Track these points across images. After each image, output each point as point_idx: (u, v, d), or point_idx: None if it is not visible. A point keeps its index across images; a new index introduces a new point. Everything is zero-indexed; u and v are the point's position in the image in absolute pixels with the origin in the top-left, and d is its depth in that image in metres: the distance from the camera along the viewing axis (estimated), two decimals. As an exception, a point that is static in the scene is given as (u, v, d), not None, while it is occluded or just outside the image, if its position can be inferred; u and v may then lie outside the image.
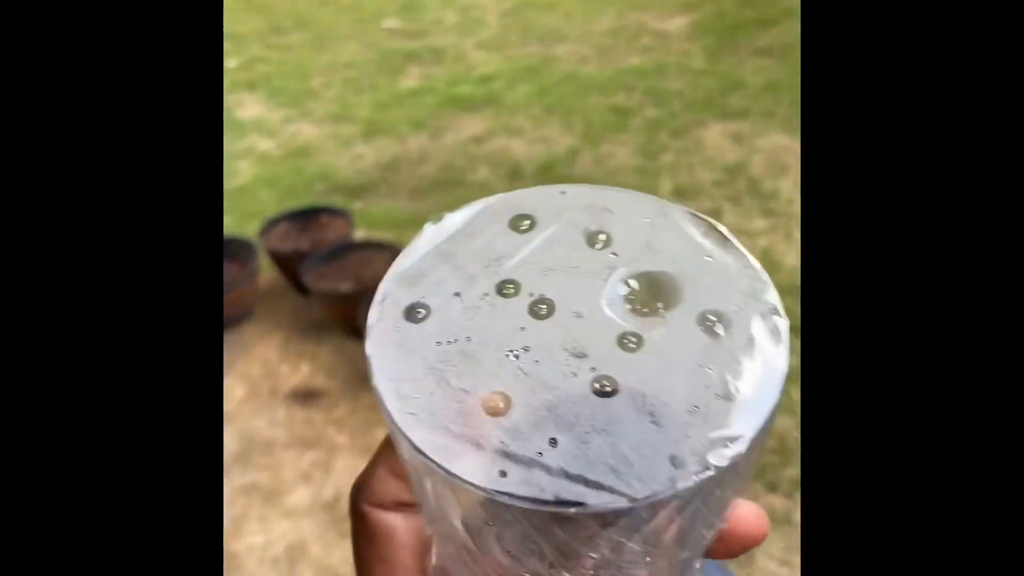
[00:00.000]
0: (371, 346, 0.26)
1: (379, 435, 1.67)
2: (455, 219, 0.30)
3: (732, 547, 0.28)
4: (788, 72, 3.50)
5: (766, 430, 0.25)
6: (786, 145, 2.92)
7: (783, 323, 0.27)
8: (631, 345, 0.25)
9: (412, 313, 0.27)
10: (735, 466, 0.23)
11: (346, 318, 2.11)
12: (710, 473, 0.23)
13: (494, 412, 0.24)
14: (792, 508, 1.59)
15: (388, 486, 0.28)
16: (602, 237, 0.28)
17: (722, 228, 0.29)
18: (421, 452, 0.23)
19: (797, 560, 1.48)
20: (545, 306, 0.26)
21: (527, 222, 0.29)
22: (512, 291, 0.27)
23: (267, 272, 2.44)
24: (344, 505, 1.69)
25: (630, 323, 0.26)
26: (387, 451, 0.29)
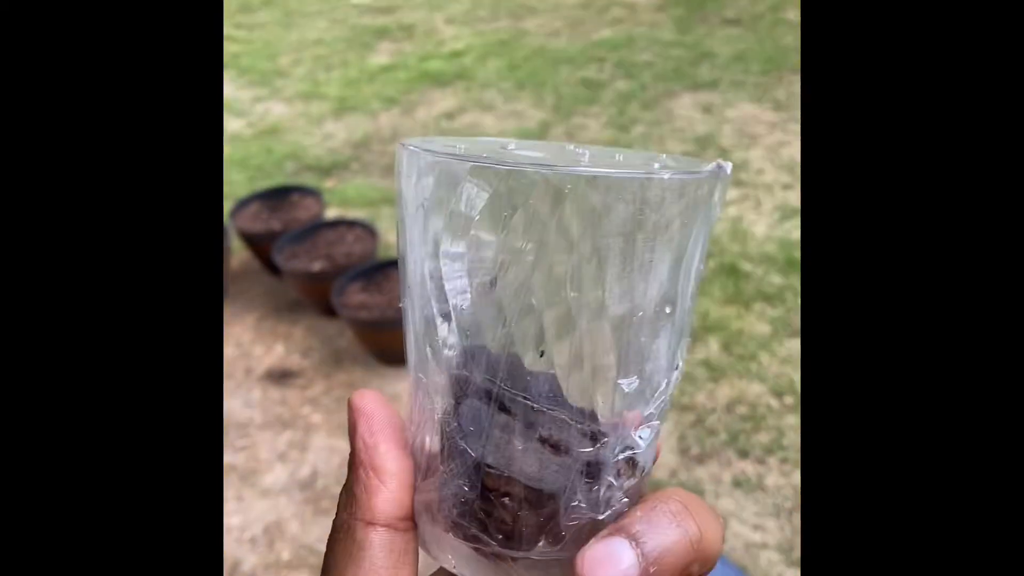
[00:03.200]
0: None
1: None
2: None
3: None
4: (757, 42, 3.51)
5: None
6: (755, 115, 2.93)
7: None
8: None
9: None
10: None
11: (319, 297, 2.10)
12: None
13: None
14: (764, 473, 1.62)
15: (380, 501, 0.29)
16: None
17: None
18: None
19: (770, 524, 1.51)
20: None
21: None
22: None
23: (239, 253, 2.42)
24: (321, 483, 1.70)
25: None
26: (378, 466, 0.30)
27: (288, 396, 1.93)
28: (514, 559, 0.29)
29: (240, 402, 1.92)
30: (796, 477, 1.60)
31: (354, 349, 2.05)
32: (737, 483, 1.61)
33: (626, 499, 0.29)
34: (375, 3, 4.51)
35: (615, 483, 0.29)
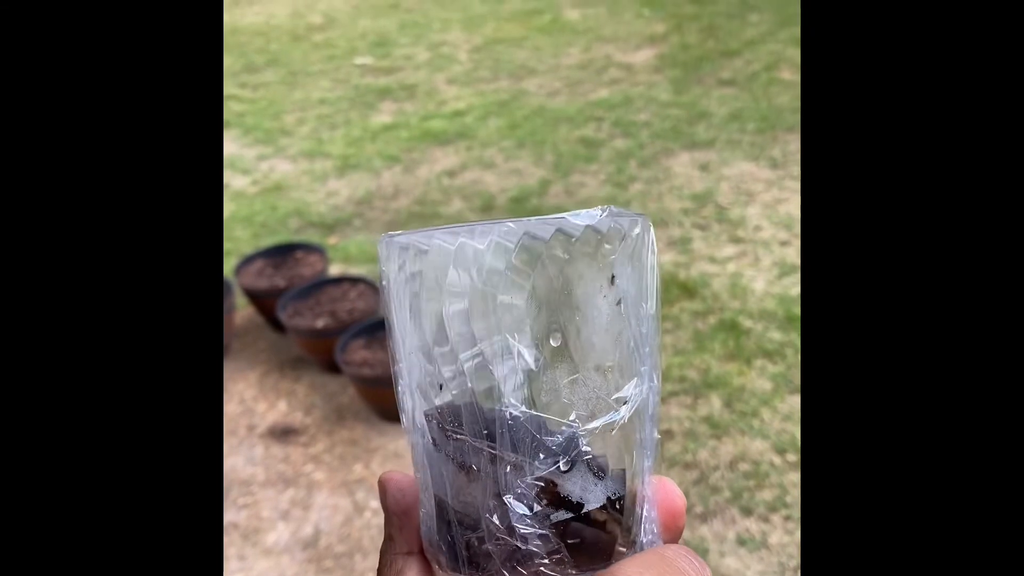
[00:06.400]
0: None
1: (357, 471, 1.67)
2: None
3: (667, 523, 0.34)
4: (752, 101, 3.58)
5: None
6: (752, 173, 2.98)
7: None
8: None
9: None
10: None
11: (322, 354, 2.12)
12: None
13: None
14: (768, 531, 1.61)
15: (409, 535, 0.35)
16: None
17: None
18: None
19: (773, 582, 1.51)
20: None
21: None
22: None
23: (243, 309, 2.44)
24: (323, 542, 1.69)
25: None
26: (405, 510, 0.35)
27: (291, 453, 1.93)
28: None
29: (243, 459, 1.92)
30: (800, 535, 1.59)
31: (356, 406, 2.06)
32: (741, 541, 1.60)
33: (544, 530, 0.31)
34: (377, 64, 4.62)
35: (527, 511, 0.31)
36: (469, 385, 0.31)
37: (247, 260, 2.44)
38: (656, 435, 0.34)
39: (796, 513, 1.64)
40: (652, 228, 0.34)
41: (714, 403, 1.94)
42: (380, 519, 1.72)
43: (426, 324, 0.32)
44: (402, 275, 0.32)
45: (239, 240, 2.81)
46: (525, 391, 0.31)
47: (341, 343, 2.02)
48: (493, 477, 0.31)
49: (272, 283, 2.33)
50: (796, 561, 1.55)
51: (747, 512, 1.66)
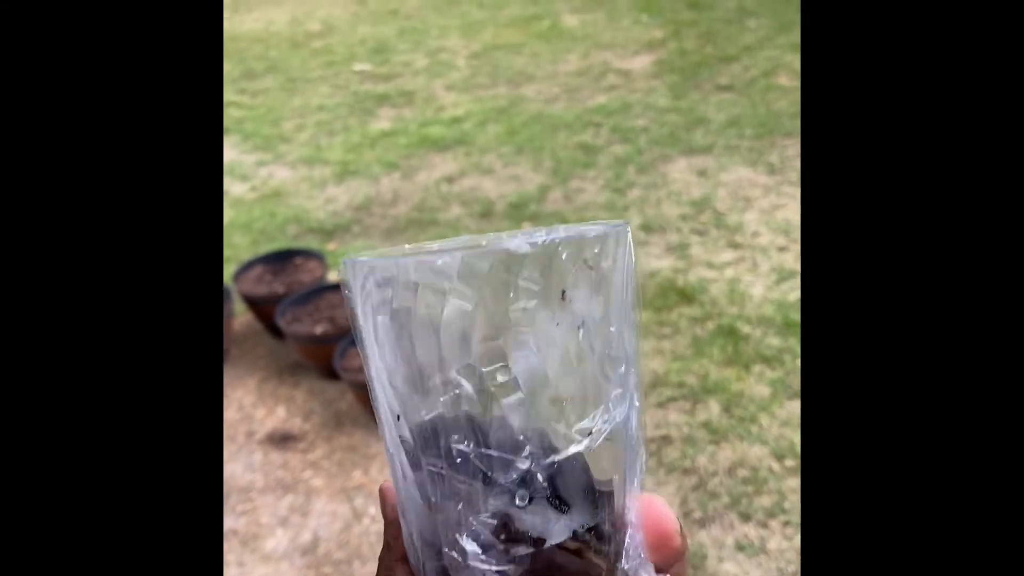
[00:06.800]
0: None
1: (356, 477, 1.66)
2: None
3: (657, 548, 0.33)
4: (750, 107, 3.59)
5: None
6: (749, 178, 2.99)
7: None
8: None
9: None
10: None
11: (321, 360, 2.12)
12: None
13: None
14: (767, 536, 1.61)
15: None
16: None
17: None
18: None
19: (772, 588, 1.51)
20: None
21: None
22: None
23: (241, 316, 2.44)
24: (322, 548, 1.69)
25: None
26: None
27: (289, 460, 1.93)
28: None
29: (242, 466, 1.92)
30: (799, 540, 1.60)
31: (355, 412, 2.06)
32: (740, 547, 1.60)
33: (503, 566, 0.31)
34: (376, 70, 4.63)
35: (478, 550, 0.31)
36: (423, 417, 0.31)
37: (246, 266, 2.44)
38: (643, 455, 0.34)
39: (795, 519, 1.64)
40: (629, 237, 0.32)
41: (713, 409, 1.94)
42: (378, 526, 1.72)
43: (387, 352, 0.32)
44: (366, 300, 0.32)
45: (238, 246, 2.81)
46: (471, 429, 0.31)
47: (340, 349, 2.03)
48: (447, 512, 0.31)
49: (271, 289, 2.34)
50: (795, 567, 1.55)
51: (746, 518, 1.66)
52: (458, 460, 0.31)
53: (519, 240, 0.30)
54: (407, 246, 0.34)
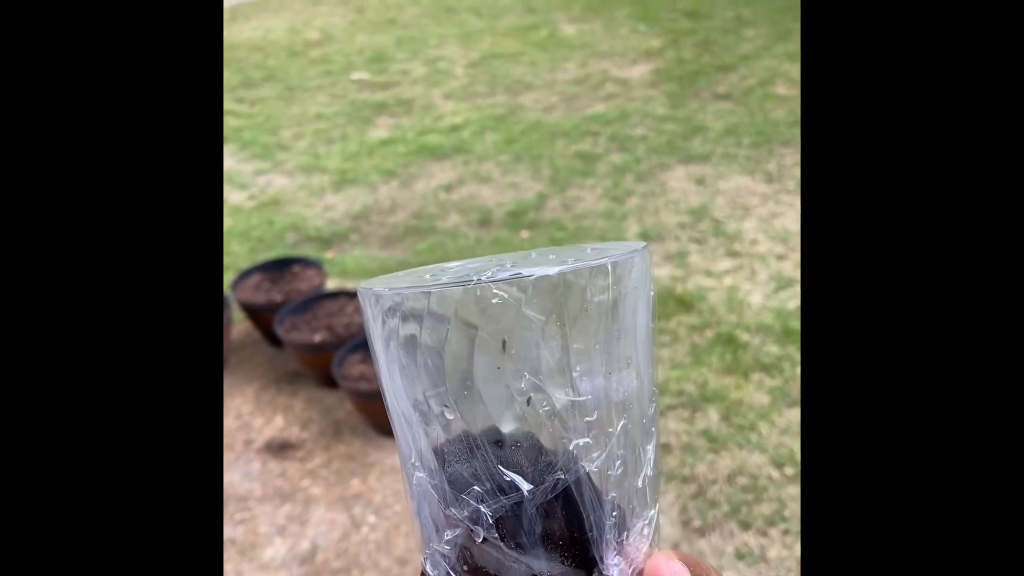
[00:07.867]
0: None
1: (354, 486, 1.65)
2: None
3: None
4: (748, 115, 3.60)
5: None
6: (747, 186, 2.99)
7: None
8: None
9: None
10: None
11: (319, 368, 2.11)
12: None
13: None
14: (767, 545, 1.61)
15: None
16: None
17: None
18: None
19: (772, 597, 1.50)
20: None
21: None
22: None
23: (240, 324, 2.44)
24: (320, 557, 1.68)
25: None
26: None
27: (288, 468, 1.92)
28: None
29: (240, 475, 1.91)
30: (799, 549, 1.59)
31: (353, 420, 2.05)
32: (740, 555, 1.60)
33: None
34: (374, 79, 4.64)
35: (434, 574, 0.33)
36: (436, 442, 0.33)
37: (244, 274, 2.44)
38: (636, 511, 0.33)
39: (794, 527, 1.64)
40: (636, 266, 0.32)
41: (712, 417, 1.94)
42: (377, 534, 1.72)
43: (394, 375, 0.33)
44: (383, 328, 0.33)
45: (236, 255, 2.81)
46: (430, 460, 0.33)
47: (338, 358, 2.02)
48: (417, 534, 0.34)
49: (269, 297, 2.33)
50: (794, 575, 1.54)
51: (745, 526, 1.66)
52: (416, 487, 0.33)
53: (534, 268, 0.31)
54: (428, 275, 0.34)
